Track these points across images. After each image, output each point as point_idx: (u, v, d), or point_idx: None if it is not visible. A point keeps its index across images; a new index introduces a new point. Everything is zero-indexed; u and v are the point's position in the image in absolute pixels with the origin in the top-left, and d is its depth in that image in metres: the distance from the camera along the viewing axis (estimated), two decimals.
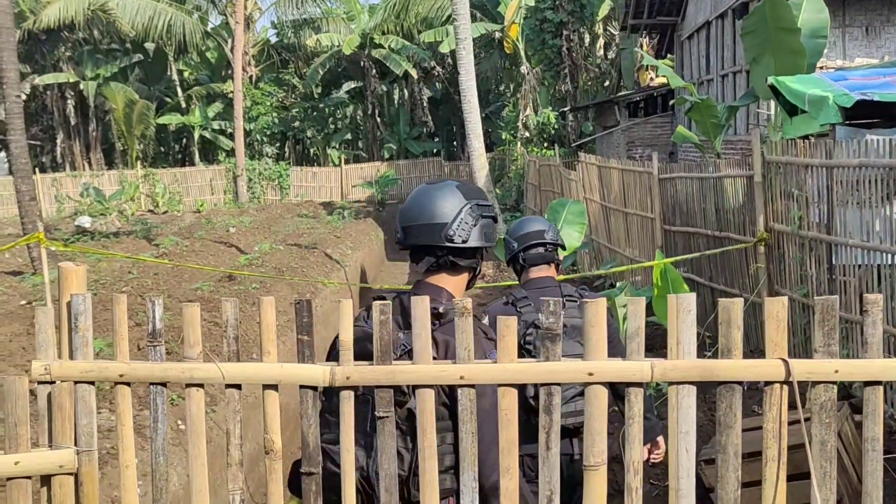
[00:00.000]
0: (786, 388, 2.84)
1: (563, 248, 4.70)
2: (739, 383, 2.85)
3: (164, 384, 3.29)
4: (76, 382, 3.31)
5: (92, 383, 3.32)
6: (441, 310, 3.04)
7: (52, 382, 3.31)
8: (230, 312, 3.21)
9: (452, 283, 3.17)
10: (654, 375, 2.87)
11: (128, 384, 3.33)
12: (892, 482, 5.38)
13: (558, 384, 2.95)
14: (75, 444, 3.32)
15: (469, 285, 3.25)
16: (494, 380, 2.97)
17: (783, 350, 2.83)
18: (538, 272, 4.47)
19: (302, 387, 3.12)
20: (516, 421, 3.00)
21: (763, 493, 2.89)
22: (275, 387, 3.18)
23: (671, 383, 2.88)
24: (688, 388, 2.87)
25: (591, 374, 2.91)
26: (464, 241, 3.06)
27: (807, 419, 2.90)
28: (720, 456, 2.88)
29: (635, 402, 2.92)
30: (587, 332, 2.92)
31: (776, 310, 2.79)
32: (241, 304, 12.65)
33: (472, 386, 2.98)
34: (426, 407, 3.01)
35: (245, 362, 3.21)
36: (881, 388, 2.83)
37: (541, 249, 4.45)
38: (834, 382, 2.83)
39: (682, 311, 2.84)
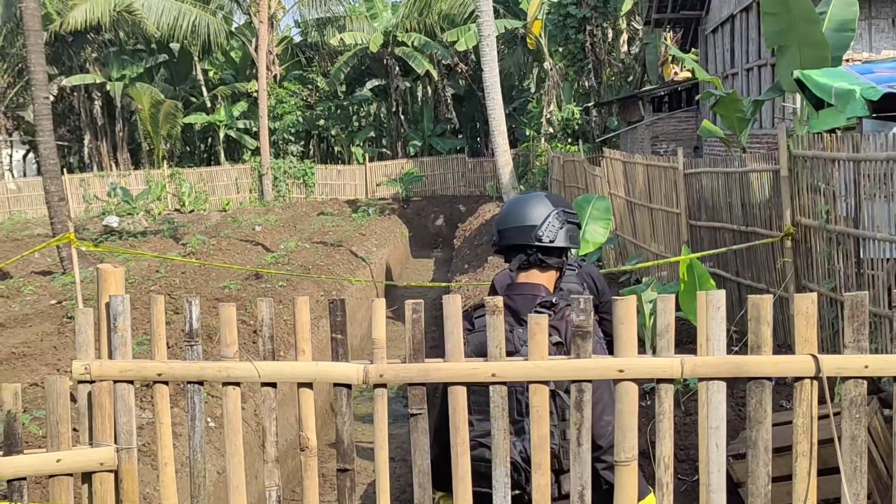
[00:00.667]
0: (815, 383, 2.87)
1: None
2: (769, 379, 2.87)
3: (200, 383, 3.35)
4: (115, 382, 3.38)
5: (131, 382, 3.39)
6: (554, 300, 3.31)
7: (92, 382, 3.38)
8: (265, 312, 3.27)
9: (544, 280, 3.44)
10: (685, 372, 2.90)
11: (166, 383, 3.40)
12: None
13: (589, 381, 2.99)
14: (115, 442, 3.39)
15: (556, 284, 3.52)
16: (526, 377, 3.01)
17: (813, 346, 2.85)
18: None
19: (336, 385, 3.17)
20: (548, 417, 3.04)
21: (794, 488, 2.91)
22: (310, 385, 3.23)
23: (701, 379, 2.91)
24: (717, 384, 2.90)
25: (621, 371, 2.94)
26: (551, 241, 3.39)
27: (836, 414, 2.92)
28: (750, 451, 2.91)
29: (665, 399, 2.95)
30: (617, 329, 2.95)
31: (806, 306, 2.82)
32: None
33: (504, 383, 3.02)
34: (458, 404, 3.06)
35: (281, 361, 3.27)
36: None
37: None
38: (864, 378, 2.85)
39: (712, 307, 2.87)
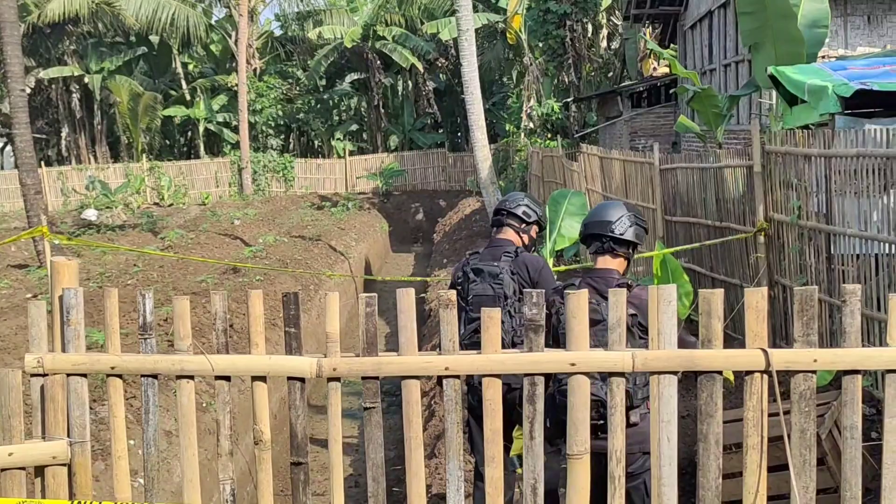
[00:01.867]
0: (766, 377, 2.87)
1: (522, 219, 5.42)
2: (720, 373, 2.88)
3: (154, 376, 3.33)
4: (68, 375, 3.35)
5: (84, 375, 3.37)
6: (628, 282, 4.10)
7: (45, 375, 3.35)
8: (219, 305, 3.25)
9: (615, 265, 4.25)
10: (636, 366, 2.91)
11: (120, 376, 3.37)
12: (872, 469, 5.38)
13: (542, 374, 2.98)
14: (68, 436, 3.36)
15: (626, 271, 4.34)
16: (479, 370, 3.01)
17: (763, 340, 2.86)
18: (499, 234, 5.39)
19: (290, 378, 3.16)
20: (501, 411, 3.03)
21: (744, 481, 2.92)
22: (264, 378, 3.22)
23: (652, 373, 2.92)
24: (669, 377, 2.91)
25: (573, 365, 2.94)
26: (621, 234, 4.21)
27: (786, 412, 2.94)
28: (701, 445, 2.92)
29: (617, 392, 2.95)
30: (569, 323, 2.95)
31: (755, 300, 2.82)
32: (244, 297, 12.69)
33: (458, 377, 3.02)
34: (412, 398, 3.05)
35: (234, 354, 3.25)
36: (859, 376, 2.86)
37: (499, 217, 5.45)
38: (813, 371, 2.86)
39: (663, 301, 2.87)
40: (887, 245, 6.86)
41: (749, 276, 9.24)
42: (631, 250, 4.30)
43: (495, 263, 5.10)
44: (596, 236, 4.30)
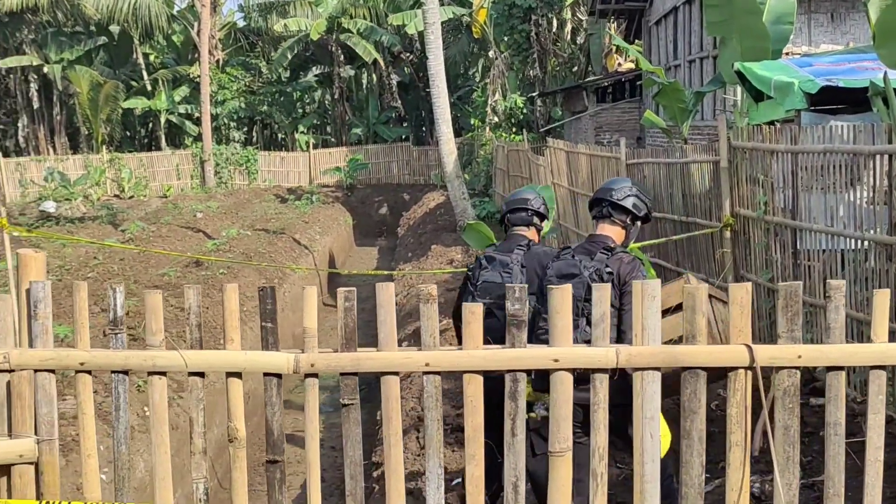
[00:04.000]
0: (749, 373, 2.85)
1: (544, 216, 5.64)
2: (704, 369, 2.86)
3: (125, 372, 3.25)
4: (36, 371, 3.26)
5: (52, 371, 3.27)
6: (611, 244, 4.51)
7: (12, 371, 3.25)
8: (192, 299, 3.18)
9: (612, 232, 4.63)
10: (620, 361, 2.87)
11: (89, 372, 3.28)
12: (854, 465, 5.43)
13: (524, 370, 2.94)
14: (35, 434, 3.27)
15: (625, 240, 4.68)
16: (460, 367, 2.96)
17: (747, 336, 2.83)
18: (517, 231, 5.50)
19: (266, 374, 3.09)
20: (482, 408, 2.99)
21: (727, 477, 2.90)
22: (239, 375, 3.15)
23: (636, 369, 2.88)
24: (652, 373, 2.88)
25: (556, 361, 2.90)
26: (619, 200, 4.62)
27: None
28: (684, 441, 2.89)
29: (600, 388, 2.91)
30: (552, 319, 2.91)
31: (740, 296, 2.80)
32: (208, 290, 12.58)
33: (438, 373, 2.97)
34: (391, 394, 3.00)
35: (208, 350, 3.18)
36: (843, 373, 2.84)
37: (522, 214, 5.52)
38: (797, 367, 2.84)
39: (647, 297, 2.84)
40: (853, 241, 6.91)
41: (715, 272, 9.28)
42: (629, 221, 4.67)
43: (506, 253, 5.29)
44: (598, 201, 4.75)
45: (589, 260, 4.41)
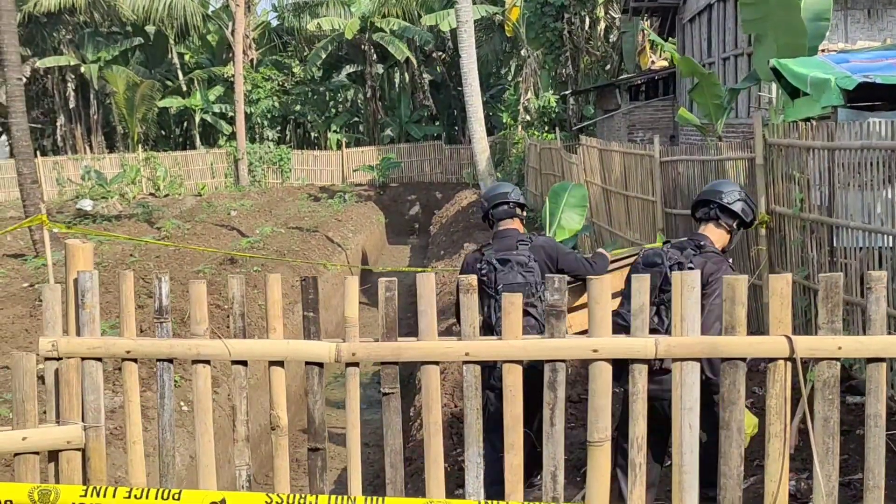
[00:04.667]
0: (789, 365, 2.85)
1: (524, 206, 5.72)
2: (744, 360, 2.86)
3: (170, 360, 3.31)
4: (83, 359, 3.32)
5: (99, 360, 3.34)
6: (703, 244, 4.52)
7: (60, 359, 3.32)
8: (236, 289, 3.23)
9: (714, 235, 4.63)
10: (659, 352, 2.89)
11: (135, 360, 3.34)
12: (893, 459, 5.39)
13: (563, 360, 2.96)
14: (82, 421, 3.34)
15: (727, 246, 4.68)
16: (500, 356, 2.98)
17: (787, 327, 2.84)
18: (504, 225, 5.56)
19: (308, 363, 3.13)
20: (521, 397, 3.01)
21: (766, 469, 2.91)
22: (281, 363, 3.19)
23: (675, 360, 2.90)
24: (691, 364, 2.89)
25: (595, 351, 2.92)
26: (729, 203, 4.62)
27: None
28: (723, 432, 2.90)
29: (639, 379, 2.93)
30: (591, 309, 2.93)
31: (780, 286, 2.81)
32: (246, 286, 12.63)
33: (478, 362, 2.99)
34: (431, 384, 3.03)
35: (251, 339, 3.23)
36: (884, 364, 2.84)
37: (504, 207, 5.57)
38: (837, 359, 2.84)
39: (687, 288, 2.86)
40: (890, 238, 6.85)
41: (750, 269, 9.23)
42: (735, 225, 4.68)
43: (515, 252, 5.27)
44: (705, 202, 4.74)
45: (678, 253, 4.51)
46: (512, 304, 2.96)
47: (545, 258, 5.24)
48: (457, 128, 43.77)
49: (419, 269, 16.53)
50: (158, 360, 3.29)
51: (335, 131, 42.64)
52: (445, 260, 18.13)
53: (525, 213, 5.75)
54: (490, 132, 29.36)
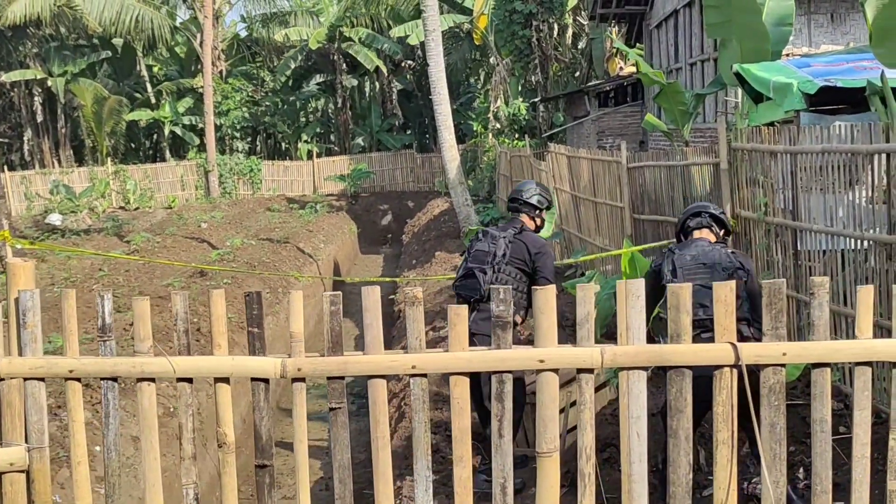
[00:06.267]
0: (735, 372, 2.84)
1: (535, 206, 6.49)
2: (690, 368, 2.85)
3: (115, 379, 3.25)
4: (26, 379, 3.26)
5: (42, 380, 3.28)
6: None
7: (2, 380, 3.26)
8: (179, 305, 3.18)
9: (711, 238, 5.27)
10: (605, 361, 2.87)
11: (79, 380, 3.29)
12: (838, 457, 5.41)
13: (510, 371, 2.94)
14: (26, 442, 3.28)
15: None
16: (446, 368, 2.96)
17: (731, 334, 2.83)
18: (514, 216, 6.46)
19: (253, 379, 3.09)
20: (469, 410, 2.98)
21: (715, 476, 2.89)
22: (226, 380, 3.15)
23: (620, 369, 2.88)
24: (638, 373, 2.87)
25: (542, 361, 2.90)
26: (719, 214, 5.52)
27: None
28: (671, 441, 2.89)
29: (587, 388, 2.91)
30: (537, 319, 2.91)
31: (724, 294, 2.80)
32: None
33: (425, 375, 2.97)
34: (378, 397, 3.00)
35: (197, 356, 3.18)
36: (828, 370, 2.84)
37: (514, 204, 6.47)
38: (782, 365, 2.83)
39: (632, 296, 2.84)
40: (852, 241, 6.89)
41: None
42: (723, 234, 5.51)
43: (499, 231, 6.22)
44: (698, 214, 5.53)
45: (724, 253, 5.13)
46: (457, 316, 2.93)
47: (527, 246, 6.07)
48: (428, 136, 43.80)
49: (391, 280, 16.48)
50: (102, 378, 3.24)
51: (306, 141, 42.53)
52: (417, 269, 18.10)
53: (539, 211, 6.55)
54: (461, 140, 29.40)
